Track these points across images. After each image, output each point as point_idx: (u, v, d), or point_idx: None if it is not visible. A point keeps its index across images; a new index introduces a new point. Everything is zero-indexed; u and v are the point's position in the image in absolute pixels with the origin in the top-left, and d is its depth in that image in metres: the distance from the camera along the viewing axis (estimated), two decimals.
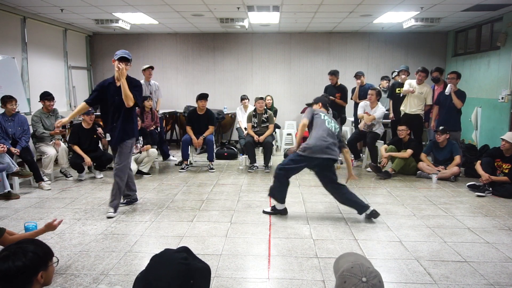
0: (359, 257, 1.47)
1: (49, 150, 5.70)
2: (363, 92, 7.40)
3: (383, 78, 8.25)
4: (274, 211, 4.34)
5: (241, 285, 2.80)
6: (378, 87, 7.64)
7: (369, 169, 6.61)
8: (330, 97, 7.02)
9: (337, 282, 1.33)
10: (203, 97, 6.64)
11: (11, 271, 1.67)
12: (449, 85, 6.19)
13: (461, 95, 6.22)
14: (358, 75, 7.53)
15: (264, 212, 4.38)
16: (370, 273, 1.29)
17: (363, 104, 6.88)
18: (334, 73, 7.50)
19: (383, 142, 6.80)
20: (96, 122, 6.32)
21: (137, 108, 6.88)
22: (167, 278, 1.35)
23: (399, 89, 7.13)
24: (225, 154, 7.67)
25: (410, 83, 6.74)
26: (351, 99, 7.69)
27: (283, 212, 4.33)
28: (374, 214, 4.12)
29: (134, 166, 5.98)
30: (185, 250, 1.49)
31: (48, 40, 7.98)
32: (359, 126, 6.86)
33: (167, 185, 5.68)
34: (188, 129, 6.69)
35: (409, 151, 6.14)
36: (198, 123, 6.70)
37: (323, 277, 2.91)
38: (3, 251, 1.76)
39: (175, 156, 7.68)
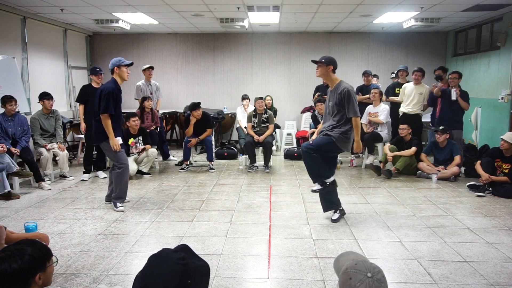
0: (357, 255, 1.49)
1: (45, 151, 5.71)
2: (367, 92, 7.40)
3: (373, 76, 8.27)
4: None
5: (241, 285, 2.80)
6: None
7: (368, 162, 6.65)
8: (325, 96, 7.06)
9: (341, 280, 1.33)
10: (196, 106, 6.56)
11: (7, 273, 1.67)
12: (453, 91, 6.16)
13: (465, 96, 6.20)
14: (367, 74, 7.47)
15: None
16: (373, 269, 1.31)
17: (366, 110, 6.89)
18: None
19: (383, 143, 6.78)
20: None
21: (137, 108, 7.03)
22: (164, 278, 1.35)
23: (398, 89, 7.14)
24: (225, 154, 7.67)
25: (405, 87, 6.76)
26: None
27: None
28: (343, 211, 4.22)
29: (134, 166, 5.99)
30: (183, 249, 1.49)
31: (48, 40, 7.97)
32: (364, 129, 6.86)
33: (167, 185, 5.68)
34: (185, 133, 6.73)
35: (414, 149, 6.14)
36: (196, 127, 6.68)
37: (323, 277, 2.91)
38: (1, 252, 1.76)
39: (175, 156, 7.69)
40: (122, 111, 7.98)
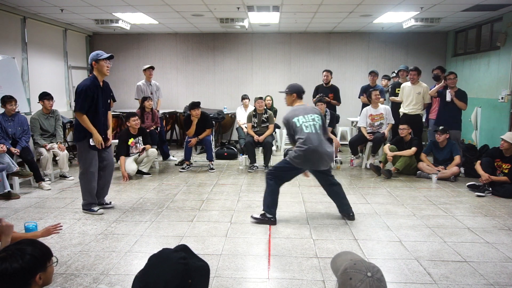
0: (354, 255, 1.48)
1: (45, 151, 5.71)
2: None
3: (384, 77, 8.27)
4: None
5: (241, 285, 2.80)
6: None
7: (368, 166, 6.64)
8: (326, 98, 7.07)
9: (341, 280, 1.33)
10: (195, 106, 6.56)
11: (7, 272, 1.67)
12: (448, 92, 6.16)
13: (463, 96, 6.20)
14: (374, 73, 7.43)
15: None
16: (372, 268, 1.31)
17: (364, 112, 6.86)
18: (331, 72, 7.52)
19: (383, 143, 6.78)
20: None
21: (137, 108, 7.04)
22: (165, 278, 1.35)
23: (398, 89, 7.14)
24: (225, 154, 7.67)
25: (403, 87, 6.77)
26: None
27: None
28: (352, 217, 4.18)
29: (134, 166, 5.99)
30: (183, 249, 1.49)
31: (48, 40, 7.97)
32: (365, 134, 6.81)
33: (167, 185, 5.68)
34: (187, 133, 6.73)
35: (414, 149, 6.13)
36: (195, 127, 6.67)
37: (323, 277, 2.91)
38: (1, 252, 1.76)
39: (175, 156, 7.69)
40: (123, 111, 8.10)
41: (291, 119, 3.94)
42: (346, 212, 4.20)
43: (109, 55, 4.20)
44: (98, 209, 4.36)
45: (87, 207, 4.37)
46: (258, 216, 4.09)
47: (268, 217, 4.04)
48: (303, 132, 3.84)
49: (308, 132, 3.84)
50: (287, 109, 4.15)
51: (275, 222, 4.03)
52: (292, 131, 3.96)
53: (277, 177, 4.07)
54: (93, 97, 4.14)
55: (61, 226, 2.98)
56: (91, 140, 4.21)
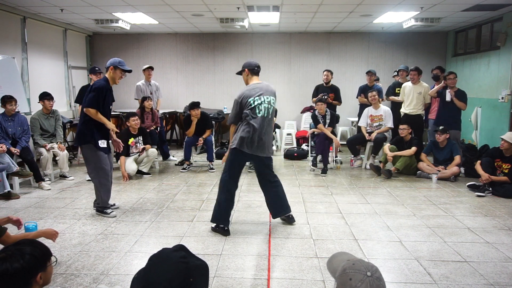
0: (350, 255, 1.48)
1: (45, 151, 5.70)
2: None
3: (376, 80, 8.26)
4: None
5: (241, 285, 2.80)
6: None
7: (368, 166, 6.64)
8: (328, 98, 7.07)
9: (340, 281, 1.33)
10: (195, 106, 6.57)
11: (8, 273, 1.67)
12: (448, 92, 6.17)
13: (463, 96, 6.20)
14: (371, 73, 7.40)
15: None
16: (371, 267, 1.31)
17: (365, 112, 6.85)
18: (331, 72, 7.52)
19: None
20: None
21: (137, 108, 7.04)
22: (167, 277, 1.35)
23: (398, 89, 7.14)
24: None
25: (404, 87, 6.76)
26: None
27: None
28: (291, 220, 4.03)
29: (134, 166, 6.00)
30: (181, 248, 1.49)
31: (48, 40, 7.97)
32: (365, 134, 6.78)
33: (167, 185, 5.68)
34: (187, 133, 6.75)
35: (414, 149, 6.13)
36: (195, 127, 6.68)
37: (323, 277, 2.91)
38: (1, 252, 1.75)
39: (175, 156, 7.69)
40: (123, 111, 8.10)
41: (246, 98, 3.71)
42: (283, 214, 4.01)
43: (129, 69, 4.23)
44: (110, 212, 4.30)
45: (101, 209, 4.32)
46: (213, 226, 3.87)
47: (220, 227, 3.79)
48: (255, 114, 3.70)
49: (260, 115, 3.72)
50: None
51: (228, 232, 3.76)
52: (240, 110, 3.73)
53: (231, 178, 3.91)
54: (104, 98, 4.16)
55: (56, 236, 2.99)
56: (100, 142, 4.15)
